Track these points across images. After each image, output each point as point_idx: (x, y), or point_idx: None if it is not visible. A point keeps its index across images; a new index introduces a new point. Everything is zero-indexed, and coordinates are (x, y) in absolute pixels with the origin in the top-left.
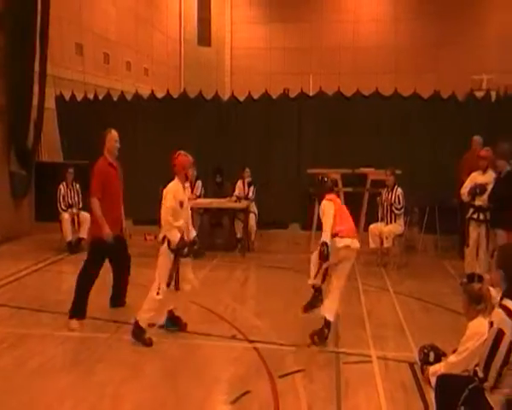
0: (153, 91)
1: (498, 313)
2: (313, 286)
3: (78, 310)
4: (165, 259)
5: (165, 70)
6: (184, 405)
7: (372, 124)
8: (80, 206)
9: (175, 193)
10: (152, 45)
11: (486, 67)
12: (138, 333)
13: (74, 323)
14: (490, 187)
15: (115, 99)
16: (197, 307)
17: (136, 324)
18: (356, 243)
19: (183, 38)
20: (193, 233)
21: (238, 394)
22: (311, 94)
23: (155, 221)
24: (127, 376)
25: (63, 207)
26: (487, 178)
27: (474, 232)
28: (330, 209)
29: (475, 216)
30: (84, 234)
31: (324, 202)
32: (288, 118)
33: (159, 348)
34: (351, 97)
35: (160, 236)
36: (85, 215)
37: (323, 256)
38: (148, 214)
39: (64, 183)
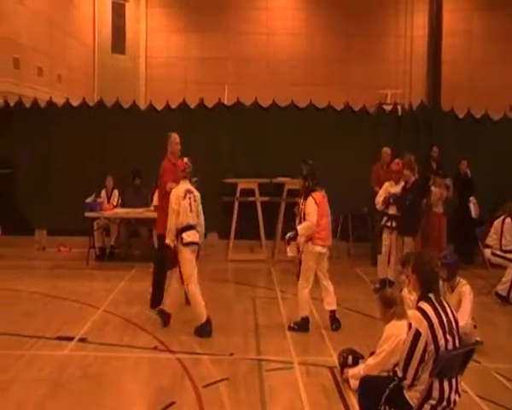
0: (68, 99)
1: (416, 315)
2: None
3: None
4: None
5: (79, 77)
6: None
7: (288, 134)
8: None
9: None
10: (65, 51)
11: (390, 82)
12: None
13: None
14: None
15: (28, 106)
16: (118, 318)
17: None
18: None
19: (97, 44)
20: None
21: (163, 405)
22: (227, 104)
23: (70, 232)
24: (47, 394)
25: None
26: (399, 188)
27: (387, 239)
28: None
29: (389, 224)
30: None
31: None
32: (206, 127)
33: (79, 362)
34: (267, 108)
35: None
36: None
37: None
38: (63, 225)
39: None
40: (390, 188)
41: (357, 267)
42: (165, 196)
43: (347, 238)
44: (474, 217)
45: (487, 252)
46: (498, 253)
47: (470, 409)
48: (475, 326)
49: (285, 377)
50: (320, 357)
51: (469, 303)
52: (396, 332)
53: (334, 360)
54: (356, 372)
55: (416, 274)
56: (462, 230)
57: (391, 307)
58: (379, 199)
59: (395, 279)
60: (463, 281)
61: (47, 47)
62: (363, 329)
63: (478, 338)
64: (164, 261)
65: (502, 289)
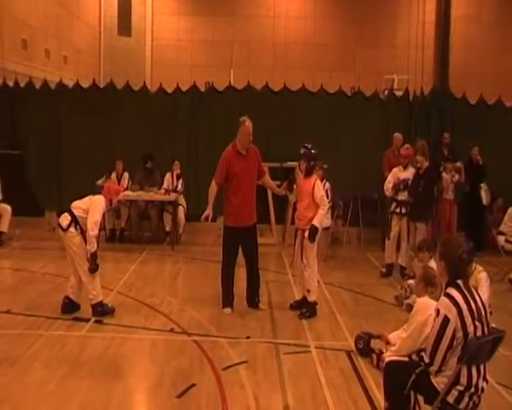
0: (78, 80)
1: (444, 302)
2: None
3: (229, 300)
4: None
5: (85, 59)
6: (131, 400)
7: (298, 118)
8: (0, 198)
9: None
10: (71, 32)
11: (400, 67)
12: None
13: (227, 310)
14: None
15: (38, 87)
16: (132, 300)
17: None
18: None
19: (103, 26)
20: None
21: (184, 387)
22: (237, 87)
23: None
24: (67, 374)
25: None
26: (408, 173)
27: (396, 226)
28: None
29: (398, 210)
30: (4, 227)
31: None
32: (216, 111)
33: (96, 342)
34: (278, 92)
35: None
36: (6, 207)
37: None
38: None
39: None
40: (399, 173)
41: (367, 252)
42: (226, 183)
43: (358, 223)
44: (485, 204)
45: (501, 239)
46: None
47: (491, 396)
48: (491, 313)
49: (303, 361)
50: (336, 341)
51: (486, 291)
52: (428, 306)
53: (351, 345)
54: (393, 349)
55: (444, 260)
56: (472, 216)
57: (430, 286)
58: (388, 185)
59: (407, 265)
60: (480, 268)
61: (54, 28)
62: (376, 313)
63: (493, 325)
64: (227, 255)
65: None
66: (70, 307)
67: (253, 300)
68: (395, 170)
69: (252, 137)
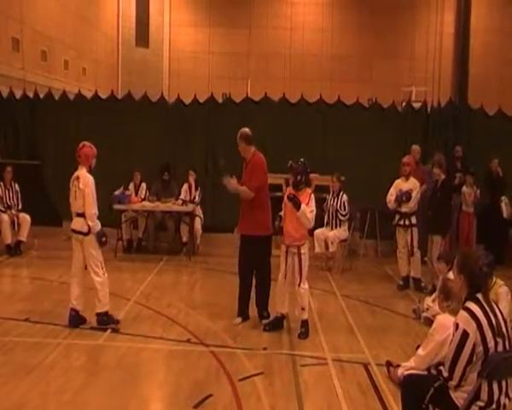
0: (96, 91)
1: (463, 316)
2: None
3: (240, 310)
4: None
5: (103, 70)
6: None
7: (316, 130)
8: (19, 207)
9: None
10: (90, 44)
11: (417, 79)
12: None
13: (235, 320)
14: (414, 194)
15: (57, 98)
16: (149, 310)
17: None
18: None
19: (121, 38)
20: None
21: (200, 398)
22: (254, 99)
23: None
24: (84, 382)
25: (1, 208)
26: (410, 184)
27: (403, 239)
28: None
29: (402, 222)
30: (23, 236)
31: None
32: (233, 122)
33: (113, 352)
34: (296, 103)
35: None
36: (25, 217)
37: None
38: None
39: (1, 183)
40: (401, 184)
41: (385, 265)
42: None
43: (375, 236)
44: (506, 217)
45: None
46: None
47: None
48: None
49: (319, 373)
50: (353, 354)
51: (507, 305)
52: (447, 324)
53: (368, 357)
54: (408, 366)
55: (464, 274)
56: (492, 230)
57: (446, 300)
58: (390, 198)
59: (422, 277)
60: (500, 282)
61: (73, 40)
62: (393, 326)
63: None
64: (244, 265)
65: None
66: (78, 319)
67: (259, 313)
68: (398, 181)
69: (250, 145)
